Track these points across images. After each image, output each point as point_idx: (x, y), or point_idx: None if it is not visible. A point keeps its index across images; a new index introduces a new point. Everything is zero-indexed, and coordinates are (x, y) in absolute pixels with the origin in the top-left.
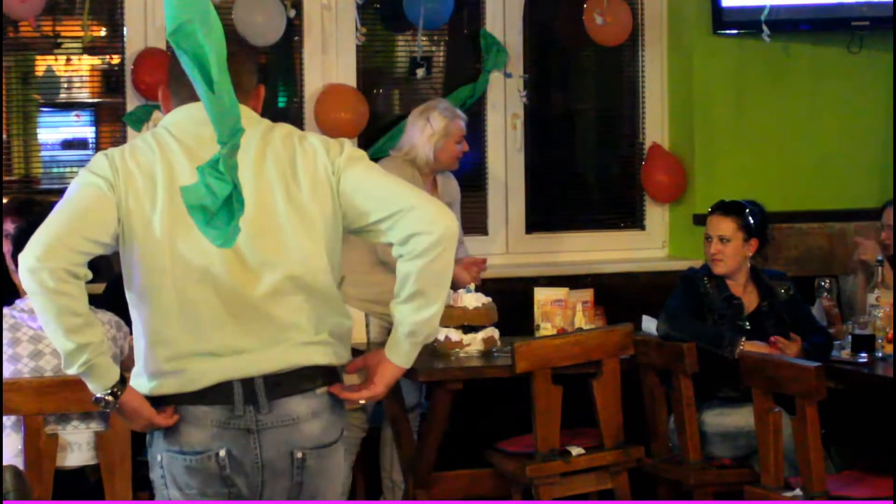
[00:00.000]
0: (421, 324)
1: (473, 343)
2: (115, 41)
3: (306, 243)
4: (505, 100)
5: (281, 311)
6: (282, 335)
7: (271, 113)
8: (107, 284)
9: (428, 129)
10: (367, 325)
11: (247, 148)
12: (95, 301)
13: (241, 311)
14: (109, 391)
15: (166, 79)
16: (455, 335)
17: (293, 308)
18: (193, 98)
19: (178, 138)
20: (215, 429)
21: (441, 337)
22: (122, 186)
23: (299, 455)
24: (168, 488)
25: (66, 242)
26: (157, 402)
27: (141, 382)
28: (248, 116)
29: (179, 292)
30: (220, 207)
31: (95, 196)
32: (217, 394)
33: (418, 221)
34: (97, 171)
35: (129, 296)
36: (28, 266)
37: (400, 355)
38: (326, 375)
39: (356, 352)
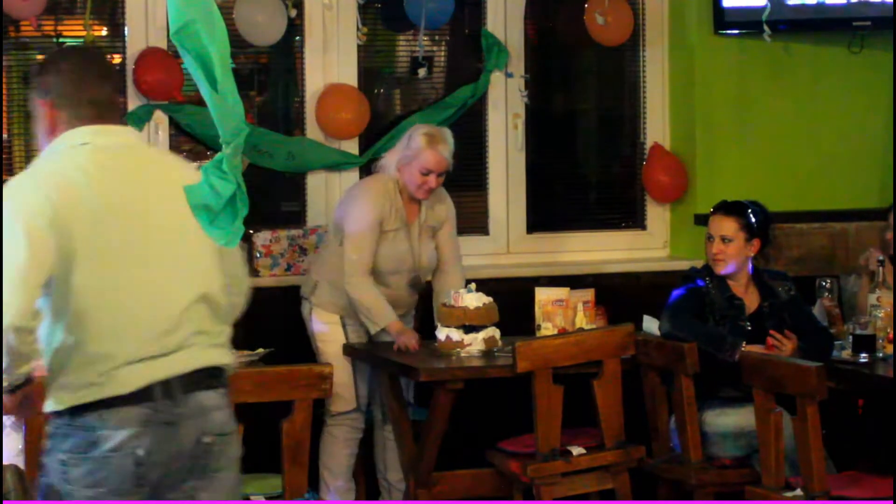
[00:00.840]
0: None
1: (474, 343)
2: (116, 41)
3: (214, 262)
4: (506, 100)
5: (195, 320)
6: (194, 339)
7: (272, 113)
8: None
9: (404, 142)
10: (344, 328)
11: (149, 165)
12: None
13: (167, 323)
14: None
15: (52, 97)
16: (456, 335)
17: (203, 317)
18: (93, 119)
19: (101, 157)
20: (138, 427)
21: (442, 337)
22: (62, 220)
23: (208, 440)
24: (74, 495)
25: (32, 299)
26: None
27: (61, 397)
28: (135, 133)
29: (118, 309)
30: (224, 207)
31: (41, 242)
32: (139, 395)
33: (243, 297)
34: (37, 212)
35: (55, 320)
36: (13, 326)
37: None
38: (224, 377)
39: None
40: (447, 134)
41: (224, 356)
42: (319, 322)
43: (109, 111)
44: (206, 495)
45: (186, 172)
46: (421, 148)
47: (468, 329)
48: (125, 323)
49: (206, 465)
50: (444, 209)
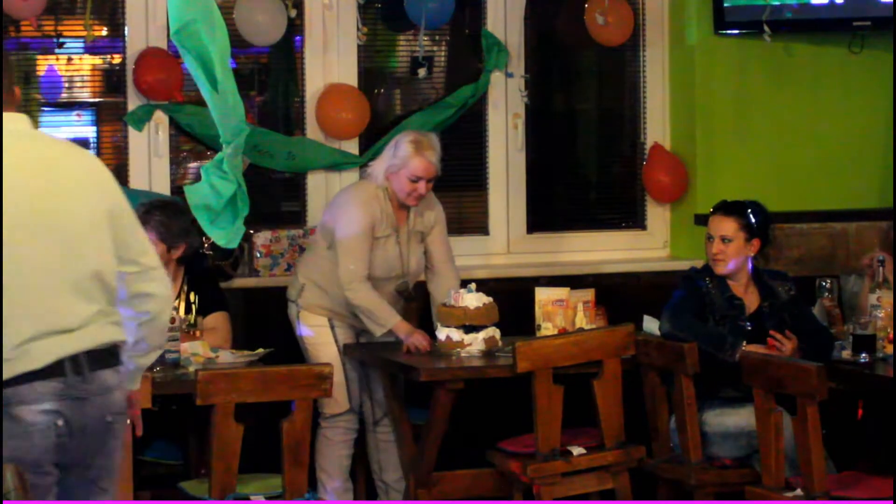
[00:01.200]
0: (147, 363)
1: (475, 343)
2: (116, 41)
3: (106, 244)
4: (506, 99)
5: (95, 298)
6: (96, 317)
7: (272, 113)
8: None
9: (391, 151)
10: (333, 329)
11: (42, 150)
12: None
13: (65, 296)
14: None
15: None
16: (456, 335)
17: (101, 296)
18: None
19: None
20: (53, 401)
21: (442, 337)
22: None
23: (109, 419)
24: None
25: None
26: None
27: None
28: (28, 120)
29: (19, 285)
30: (225, 207)
31: None
32: (51, 369)
33: (157, 283)
34: None
35: None
36: None
37: (137, 383)
38: (119, 355)
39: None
40: (434, 139)
41: (121, 333)
42: (307, 325)
43: (4, 100)
44: (103, 473)
45: (80, 157)
46: (408, 155)
47: (468, 329)
48: (27, 298)
49: (106, 443)
50: (433, 215)
